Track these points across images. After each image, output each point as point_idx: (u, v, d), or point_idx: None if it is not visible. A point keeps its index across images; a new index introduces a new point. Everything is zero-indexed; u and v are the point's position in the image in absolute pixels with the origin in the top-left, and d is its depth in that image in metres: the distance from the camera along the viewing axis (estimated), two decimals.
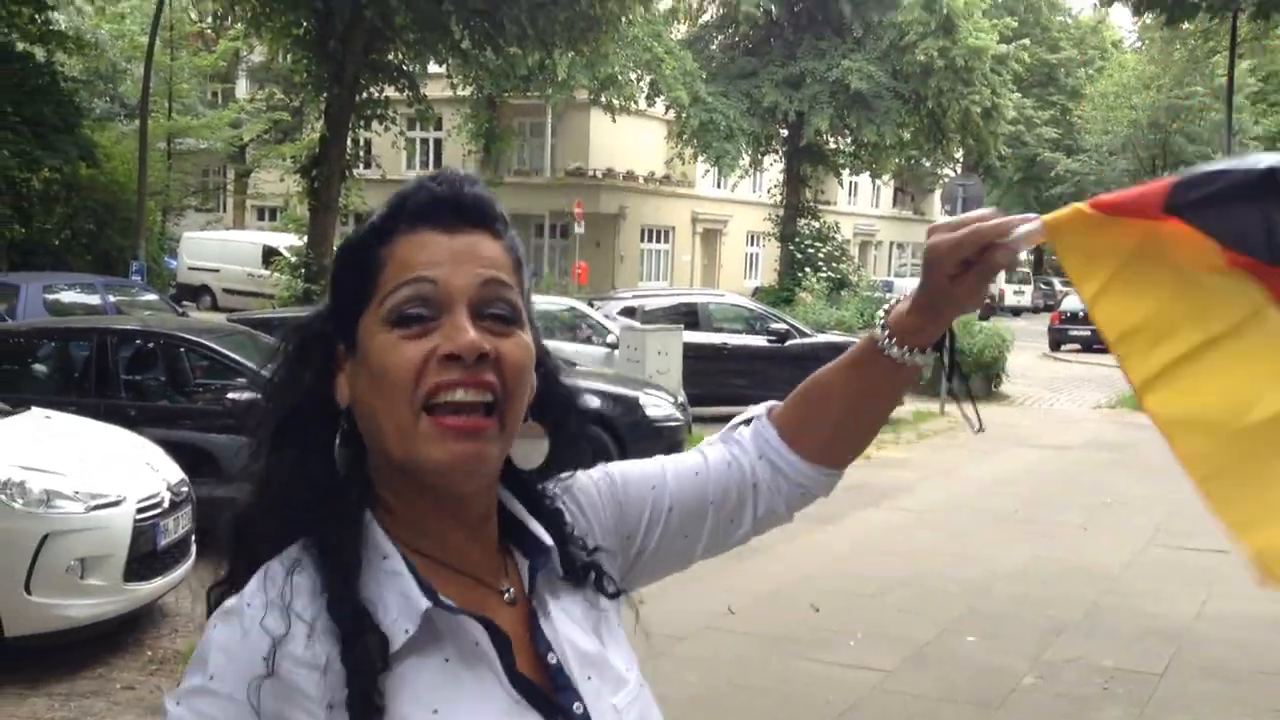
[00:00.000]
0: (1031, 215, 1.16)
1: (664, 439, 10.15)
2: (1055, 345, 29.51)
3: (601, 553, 1.20)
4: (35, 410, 6.75)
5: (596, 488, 1.24)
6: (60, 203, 19.14)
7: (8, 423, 6.40)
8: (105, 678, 5.57)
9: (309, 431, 1.09)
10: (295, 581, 1.02)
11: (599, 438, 10.01)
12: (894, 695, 5.74)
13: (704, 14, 34.59)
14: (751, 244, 42.77)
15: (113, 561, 5.67)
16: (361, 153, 28.16)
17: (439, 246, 1.06)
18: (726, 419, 1.40)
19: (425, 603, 1.02)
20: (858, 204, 47.45)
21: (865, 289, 33.93)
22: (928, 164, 39.75)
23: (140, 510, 5.83)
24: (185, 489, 6.31)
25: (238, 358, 8.27)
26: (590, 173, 35.14)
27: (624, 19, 22.30)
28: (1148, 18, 22.95)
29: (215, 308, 26.94)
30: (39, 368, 9.22)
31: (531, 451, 1.15)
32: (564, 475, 1.21)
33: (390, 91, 22.26)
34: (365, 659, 0.99)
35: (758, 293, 32.39)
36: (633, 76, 29.46)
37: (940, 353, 1.26)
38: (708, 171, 37.01)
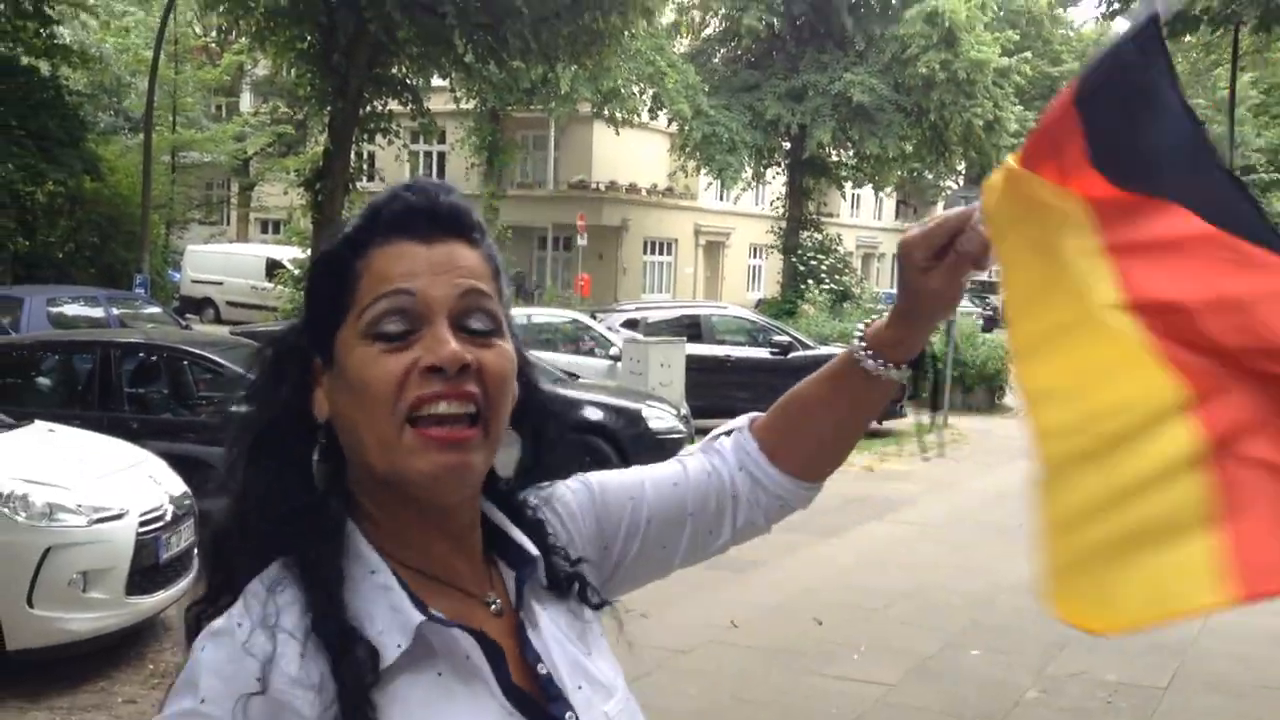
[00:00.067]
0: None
1: (666, 451, 10.09)
2: None
3: (585, 564, 1.20)
4: (38, 423, 6.76)
5: (575, 498, 1.23)
6: (64, 216, 19.18)
7: (11, 436, 6.40)
8: (107, 691, 5.56)
9: (286, 447, 1.07)
10: (281, 600, 1.00)
11: (599, 449, 10.01)
12: (897, 709, 5.72)
13: (706, 28, 34.70)
14: (754, 256, 42.81)
15: (115, 575, 5.66)
16: (365, 166, 28.26)
17: (416, 257, 1.04)
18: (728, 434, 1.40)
19: (419, 616, 1.01)
20: (860, 216, 47.50)
21: (868, 301, 33.93)
22: (930, 176, 39.80)
23: (143, 524, 5.83)
24: (188, 502, 6.31)
25: (241, 371, 8.28)
26: (593, 185, 35.20)
27: (627, 33, 22.37)
28: None
29: (219, 321, 26.98)
30: (42, 381, 9.23)
31: (504, 458, 1.15)
32: (543, 486, 1.20)
33: (394, 105, 22.33)
34: (355, 675, 0.98)
35: (760, 305, 32.39)
36: (635, 90, 29.54)
37: (916, 371, 1.26)
38: (710, 184, 37.06)
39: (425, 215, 1.06)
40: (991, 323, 35.98)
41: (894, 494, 11.16)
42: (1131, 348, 1.02)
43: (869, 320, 1.27)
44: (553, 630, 1.11)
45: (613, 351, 14.28)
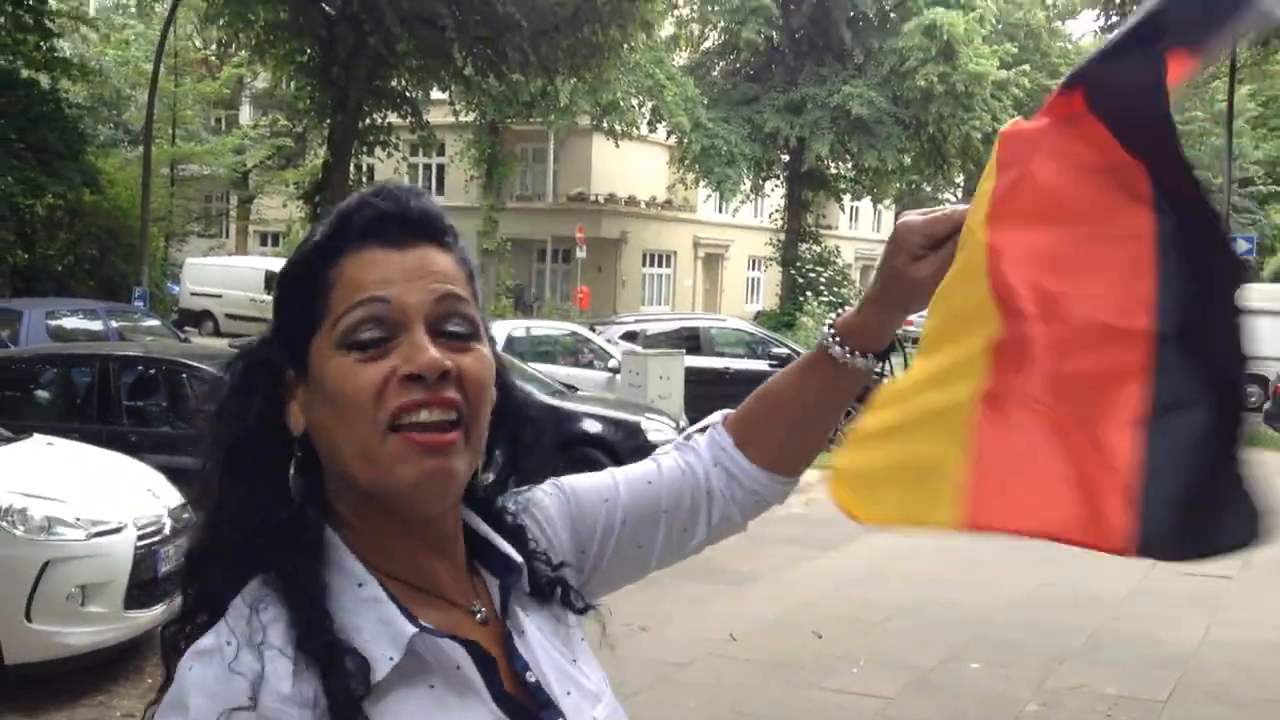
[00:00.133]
0: None
1: None
2: None
3: (566, 568, 1.19)
4: (37, 437, 6.75)
5: (552, 503, 1.23)
6: (63, 229, 19.19)
7: (9, 449, 6.40)
8: (105, 705, 5.54)
9: (261, 461, 1.04)
10: (265, 616, 0.98)
11: (598, 461, 10.00)
12: None
13: (705, 41, 34.83)
14: (753, 268, 42.86)
15: (113, 588, 5.65)
16: (364, 178, 28.25)
17: (389, 264, 1.02)
18: None
19: (410, 628, 0.99)
20: (859, 228, 47.58)
21: None
22: (929, 189, 39.87)
23: (141, 537, 5.82)
24: (186, 515, 6.29)
25: None
26: (592, 198, 35.27)
27: (626, 46, 22.46)
28: None
29: (218, 333, 26.98)
30: (41, 394, 9.22)
31: None
32: (521, 490, 1.19)
33: (393, 118, 22.41)
34: (346, 689, 0.96)
35: (759, 317, 32.43)
36: (634, 102, 29.65)
37: (885, 362, 1.27)
38: (709, 196, 37.13)
39: (396, 221, 1.04)
40: None
41: None
42: (978, 276, 1.10)
43: (840, 310, 1.27)
44: (538, 637, 1.10)
45: (612, 364, 14.28)
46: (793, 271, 32.58)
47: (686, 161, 32.41)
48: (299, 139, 30.39)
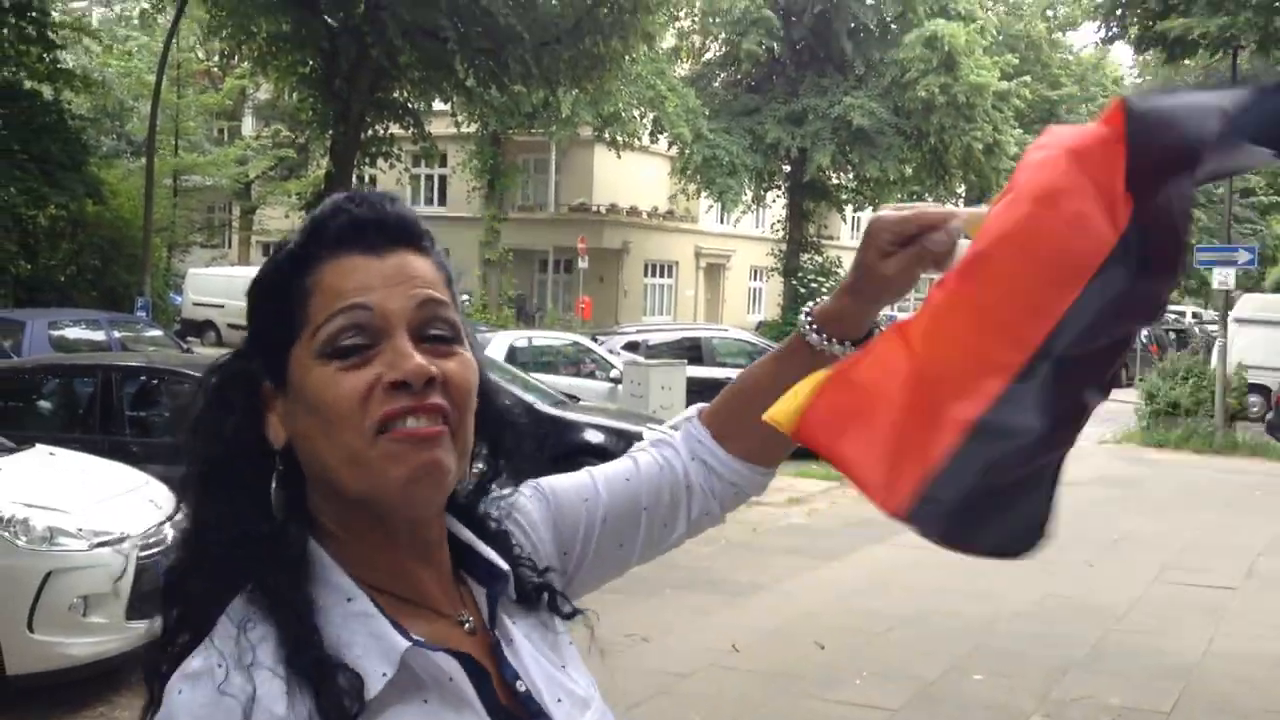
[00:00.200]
0: (981, 209, 1.16)
1: None
2: None
3: (552, 573, 1.18)
4: (39, 447, 6.75)
5: (534, 506, 1.22)
6: (66, 239, 19.22)
7: (12, 460, 6.40)
8: (107, 716, 5.53)
9: (241, 477, 1.02)
10: (253, 636, 0.96)
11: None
12: None
13: (706, 52, 34.90)
14: (755, 279, 42.88)
15: (115, 599, 5.65)
16: (367, 189, 28.28)
17: (368, 270, 1.01)
18: None
19: (403, 643, 0.98)
20: (860, 239, 47.55)
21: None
22: (930, 199, 39.87)
23: (143, 547, 5.82)
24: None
25: None
26: (594, 208, 35.31)
27: (627, 57, 22.51)
28: (1148, 55, 23.11)
29: (220, 344, 26.99)
30: (44, 404, 9.23)
31: None
32: (505, 494, 1.18)
33: (395, 129, 22.45)
34: (339, 707, 0.94)
35: (761, 327, 32.45)
36: (636, 113, 29.69)
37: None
38: (711, 207, 37.15)
39: (373, 226, 1.03)
40: None
41: None
42: None
43: (819, 299, 1.27)
44: (527, 645, 1.09)
45: (613, 374, 14.28)
46: (794, 282, 32.60)
47: (688, 172, 32.44)
48: (301, 150, 30.44)
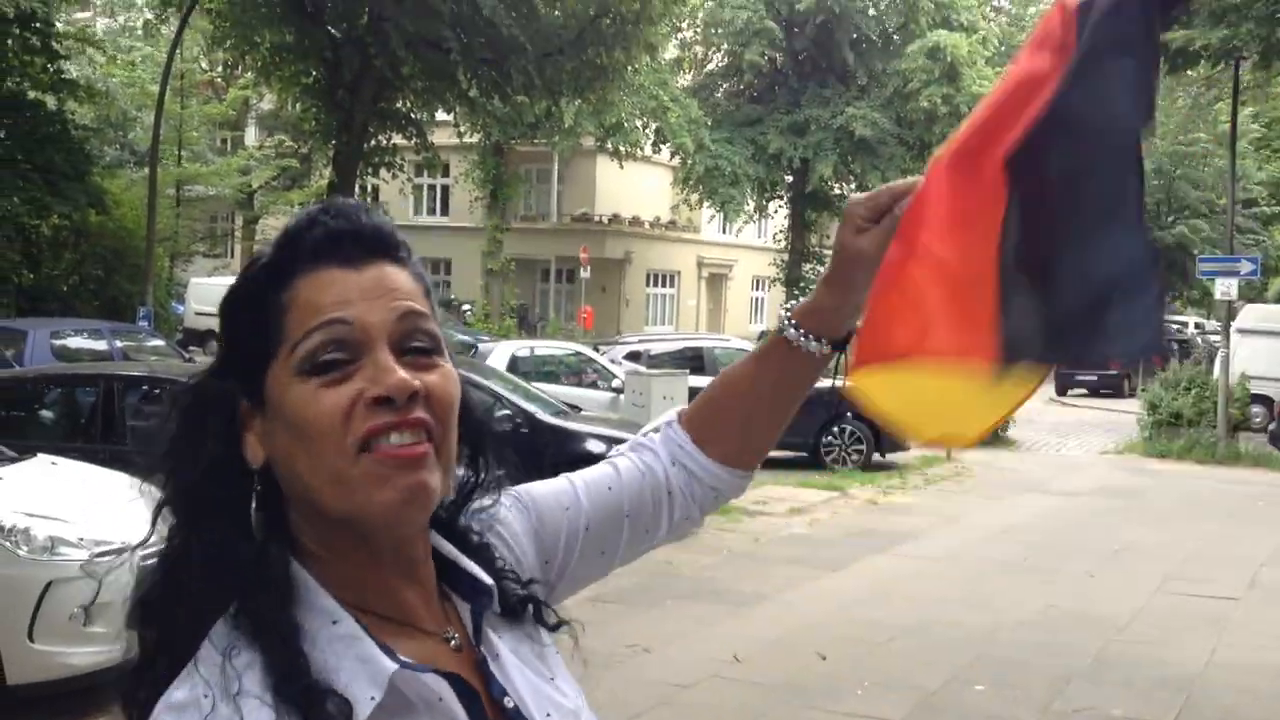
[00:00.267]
0: None
1: None
2: (1062, 390, 29.45)
3: (535, 584, 1.16)
4: (41, 457, 6.76)
5: (516, 517, 1.20)
6: (69, 249, 19.26)
7: (13, 469, 6.40)
8: None
9: (219, 499, 0.99)
10: (238, 663, 0.94)
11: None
12: None
13: (709, 63, 34.97)
14: (757, 288, 42.90)
15: (116, 609, 5.64)
16: (369, 199, 28.31)
17: (346, 283, 0.99)
18: None
19: (391, 665, 0.96)
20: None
21: None
22: None
23: (144, 558, 5.80)
24: None
25: None
26: (596, 218, 35.35)
27: (630, 68, 22.54)
28: None
29: None
30: (45, 414, 9.24)
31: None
32: (487, 506, 1.16)
33: (398, 139, 22.49)
34: None
35: (763, 337, 32.31)
36: (638, 124, 29.74)
37: (842, 352, 1.26)
38: (713, 217, 37.20)
39: (349, 238, 1.00)
40: None
41: (897, 527, 11.12)
42: None
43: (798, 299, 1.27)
44: (513, 660, 1.08)
45: (615, 384, 14.28)
46: (796, 292, 32.54)
47: (690, 182, 32.48)
48: (304, 160, 30.50)
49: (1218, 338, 20.90)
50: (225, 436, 1.01)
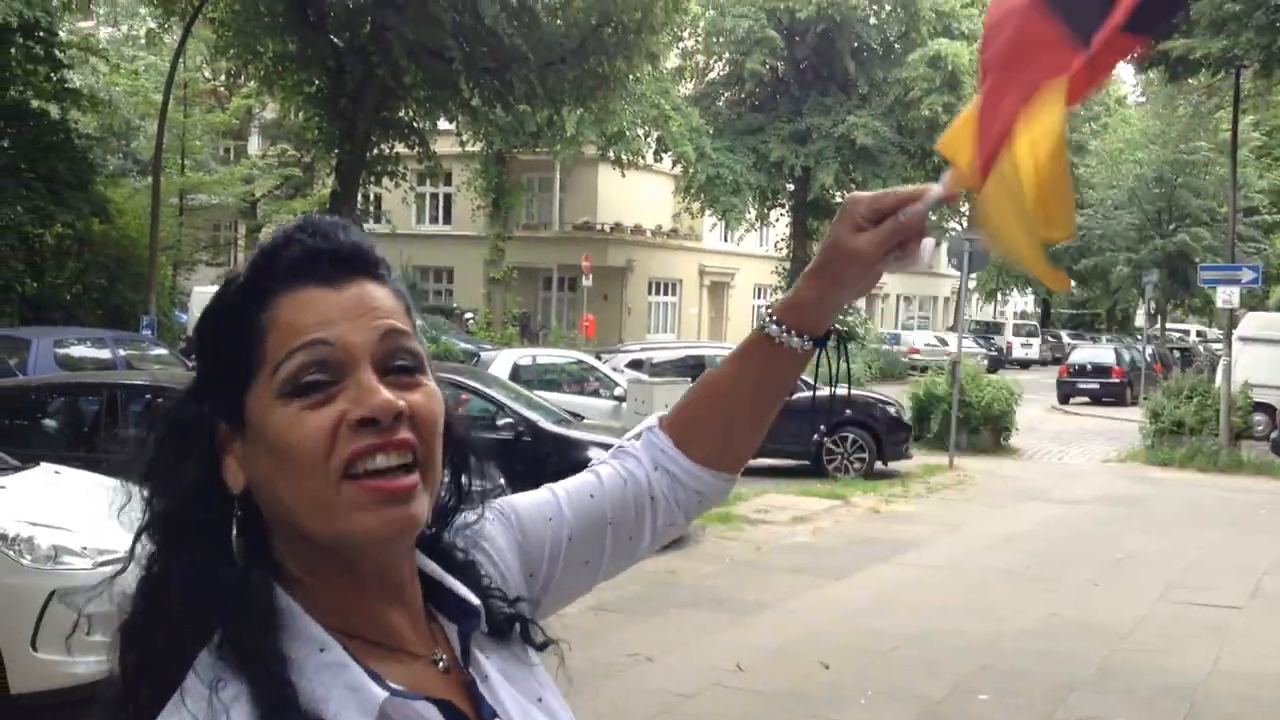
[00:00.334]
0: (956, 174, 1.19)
1: None
2: (1064, 398, 29.44)
3: (522, 603, 1.14)
4: (45, 466, 6.76)
5: (499, 532, 1.18)
6: (72, 257, 19.31)
7: (17, 478, 6.41)
8: None
9: (199, 526, 0.97)
10: (225, 696, 0.91)
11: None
12: None
13: (710, 72, 35.04)
14: (758, 296, 42.92)
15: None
16: (372, 208, 28.42)
17: (326, 303, 0.97)
18: None
19: (381, 693, 0.94)
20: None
21: (872, 341, 33.96)
22: (934, 218, 39.87)
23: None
24: None
25: None
26: (598, 226, 35.39)
27: (631, 77, 22.61)
28: (1151, 75, 23.16)
29: None
30: (49, 423, 9.25)
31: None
32: (471, 522, 1.14)
33: (400, 148, 22.54)
34: None
35: None
36: (640, 132, 29.79)
37: (824, 349, 1.24)
38: (715, 225, 37.25)
39: (327, 257, 0.98)
40: (996, 364, 35.98)
41: (900, 536, 11.12)
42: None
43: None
44: (501, 681, 1.06)
45: (617, 392, 14.29)
46: None
47: (692, 190, 32.52)
48: (307, 169, 30.54)
49: (1220, 346, 20.91)
50: (204, 461, 0.99)
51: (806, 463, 14.75)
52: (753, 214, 34.29)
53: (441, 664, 1.03)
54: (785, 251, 35.93)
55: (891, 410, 15.52)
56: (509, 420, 10.66)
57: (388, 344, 0.97)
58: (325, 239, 0.99)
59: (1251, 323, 21.27)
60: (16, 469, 6.53)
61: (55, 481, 6.58)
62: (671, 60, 29.96)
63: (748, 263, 40.68)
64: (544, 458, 9.58)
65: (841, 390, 1.34)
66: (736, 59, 32.74)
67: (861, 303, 41.55)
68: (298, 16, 19.70)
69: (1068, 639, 7.64)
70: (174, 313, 25.01)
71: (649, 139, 30.63)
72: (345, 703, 0.94)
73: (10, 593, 5.42)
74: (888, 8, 33.58)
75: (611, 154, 29.96)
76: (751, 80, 32.79)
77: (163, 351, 16.36)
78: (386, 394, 0.94)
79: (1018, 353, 45.27)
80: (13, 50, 18.05)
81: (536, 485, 1.27)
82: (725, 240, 39.16)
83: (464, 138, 25.24)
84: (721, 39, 32.82)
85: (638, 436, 1.30)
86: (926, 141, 31.25)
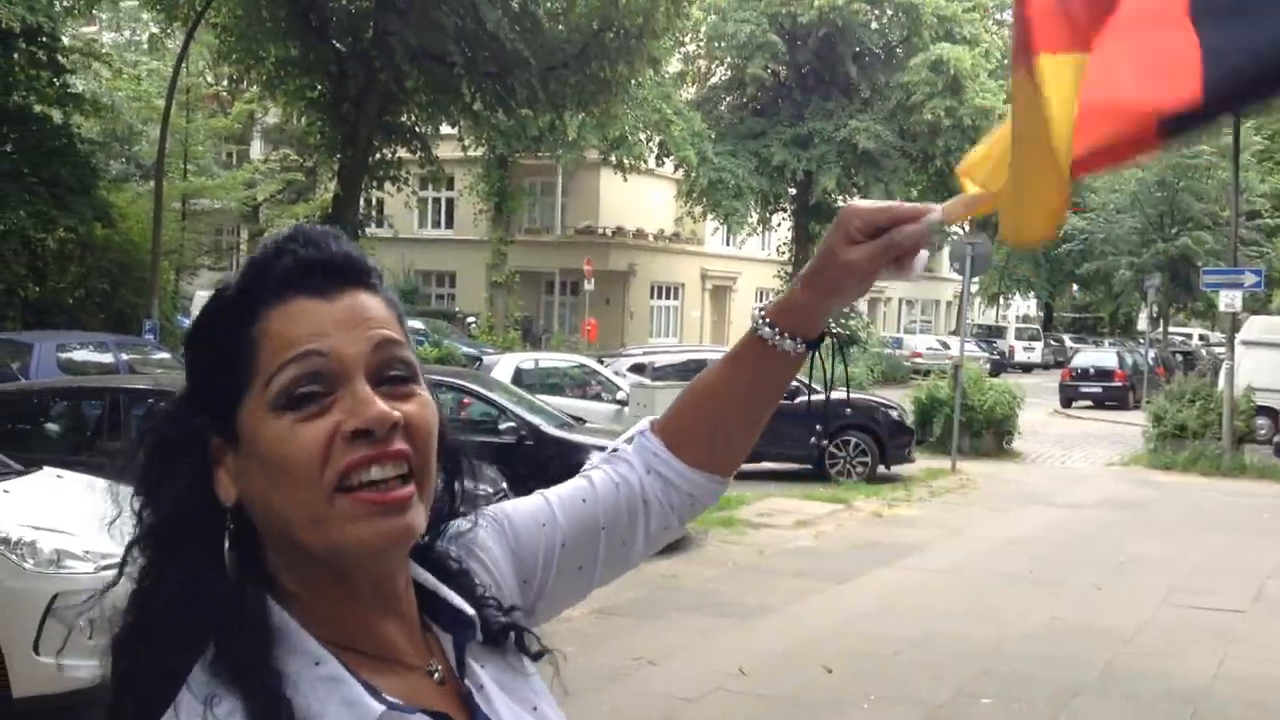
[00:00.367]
0: (959, 199, 1.19)
1: None
2: (1066, 402, 29.43)
3: (517, 611, 1.14)
4: (47, 469, 6.76)
5: (492, 539, 1.18)
6: (75, 262, 19.31)
7: (20, 482, 6.41)
8: None
9: (191, 540, 0.97)
10: (220, 712, 0.91)
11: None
12: None
13: (712, 76, 35.07)
14: (761, 300, 42.93)
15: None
16: (374, 212, 28.44)
17: (319, 314, 0.96)
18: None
19: (378, 707, 0.93)
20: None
21: (874, 345, 33.94)
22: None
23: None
24: None
25: None
26: (600, 231, 35.41)
27: (633, 82, 22.62)
28: None
29: None
30: (51, 426, 9.26)
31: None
32: (465, 530, 1.13)
33: (403, 152, 22.56)
34: None
35: None
36: (642, 137, 29.81)
37: (815, 350, 1.24)
38: (717, 229, 37.26)
39: (319, 267, 0.97)
40: (999, 367, 35.96)
41: (903, 540, 11.10)
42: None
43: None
44: (497, 690, 1.05)
45: (620, 396, 14.29)
46: None
47: (694, 195, 32.54)
48: (309, 173, 30.58)
49: (1222, 350, 20.89)
50: (196, 474, 0.98)
51: (809, 466, 14.74)
52: (755, 218, 34.31)
53: (437, 675, 1.03)
54: (787, 255, 35.95)
55: (894, 414, 15.51)
56: (511, 424, 10.67)
57: (381, 354, 0.97)
58: (317, 249, 0.98)
59: (1254, 326, 21.26)
60: (19, 473, 6.54)
61: (58, 486, 6.58)
62: (673, 65, 29.99)
63: (750, 267, 40.69)
64: (546, 462, 9.57)
65: (839, 394, 1.33)
66: (738, 63, 32.77)
67: (864, 306, 41.59)
68: (300, 22, 19.73)
69: (1070, 643, 7.63)
70: (176, 317, 25.00)
71: (651, 143, 30.65)
72: (341, 717, 0.93)
73: (13, 596, 5.42)
74: (889, 12, 33.60)
75: (613, 158, 29.99)
76: (753, 85, 32.82)
77: (165, 355, 16.35)
78: (382, 405, 0.94)
79: (1020, 356, 45.23)
80: (16, 55, 18.07)
81: (540, 488, 1.26)
82: (727, 244, 39.17)
83: (466, 142, 25.26)
84: (723, 44, 32.85)
85: (629, 440, 1.29)
86: (929, 145, 31.32)
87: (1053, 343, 48.07)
